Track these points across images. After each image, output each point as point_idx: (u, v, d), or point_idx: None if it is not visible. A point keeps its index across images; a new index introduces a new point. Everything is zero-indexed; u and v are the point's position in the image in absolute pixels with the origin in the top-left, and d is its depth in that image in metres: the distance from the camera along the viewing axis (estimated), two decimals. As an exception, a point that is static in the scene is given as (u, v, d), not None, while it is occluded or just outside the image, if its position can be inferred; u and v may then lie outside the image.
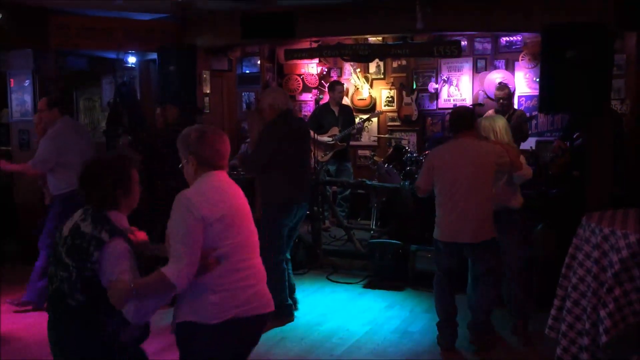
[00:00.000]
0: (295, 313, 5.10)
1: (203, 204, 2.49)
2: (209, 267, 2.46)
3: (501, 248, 4.36)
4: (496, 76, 7.83)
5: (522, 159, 4.38)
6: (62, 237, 2.51)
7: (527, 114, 7.02)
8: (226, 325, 2.50)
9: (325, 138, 7.55)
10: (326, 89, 8.25)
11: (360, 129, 8.33)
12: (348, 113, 7.85)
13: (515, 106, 7.36)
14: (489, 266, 4.25)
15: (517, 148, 4.55)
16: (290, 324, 4.94)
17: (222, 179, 2.68)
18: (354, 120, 7.86)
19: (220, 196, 2.58)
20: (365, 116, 8.14)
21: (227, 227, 2.52)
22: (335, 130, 7.54)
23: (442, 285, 4.41)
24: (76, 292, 2.40)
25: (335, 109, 7.72)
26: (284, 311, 4.86)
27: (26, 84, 6.75)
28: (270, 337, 4.65)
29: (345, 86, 8.24)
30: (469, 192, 4.10)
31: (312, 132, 7.71)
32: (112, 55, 7.46)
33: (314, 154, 7.69)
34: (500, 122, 4.39)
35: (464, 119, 4.28)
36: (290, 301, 5.01)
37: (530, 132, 7.40)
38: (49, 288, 2.53)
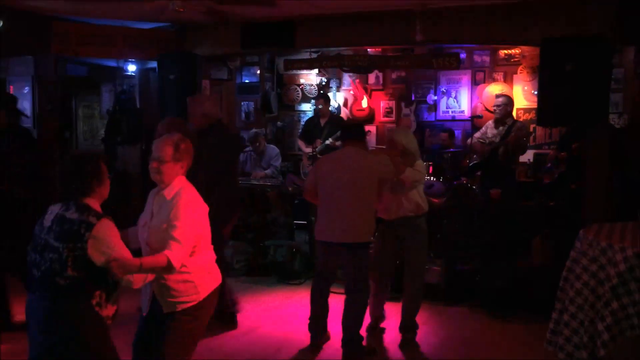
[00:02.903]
0: (291, 324, 5.09)
1: (201, 202, 3.09)
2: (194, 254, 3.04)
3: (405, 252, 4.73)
4: (494, 89, 7.87)
5: (408, 170, 4.52)
6: (44, 227, 2.82)
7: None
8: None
9: (307, 149, 7.58)
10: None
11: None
12: (335, 125, 7.61)
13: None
14: (359, 267, 4.43)
15: (415, 158, 4.65)
16: (284, 334, 4.93)
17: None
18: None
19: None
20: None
21: (206, 221, 3.12)
22: (318, 142, 7.54)
23: (318, 286, 4.64)
24: (66, 269, 2.70)
25: (322, 121, 7.68)
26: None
27: (26, 91, 6.76)
28: (266, 348, 4.63)
29: (342, 97, 8.22)
30: (347, 197, 4.35)
31: (300, 143, 7.80)
32: (112, 63, 7.49)
33: (302, 164, 7.77)
34: (408, 137, 4.71)
35: (352, 131, 4.67)
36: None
37: (528, 145, 7.44)
38: (34, 273, 2.80)
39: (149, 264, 2.84)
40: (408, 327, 4.78)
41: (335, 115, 8.03)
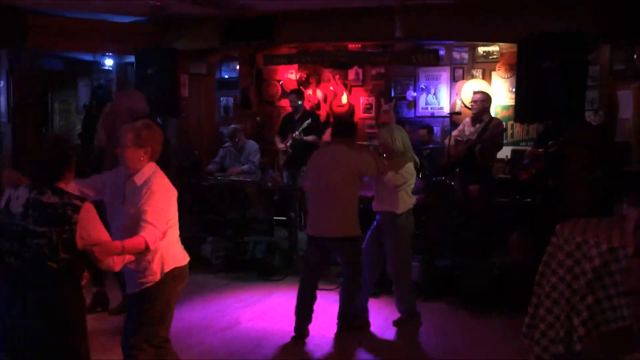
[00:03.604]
0: (271, 319, 5.09)
1: (171, 187, 3.24)
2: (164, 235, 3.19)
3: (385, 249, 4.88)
4: (473, 85, 7.93)
5: (390, 174, 4.65)
6: (15, 214, 2.77)
7: (504, 124, 7.10)
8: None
9: (281, 145, 7.58)
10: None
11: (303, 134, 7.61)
12: (308, 119, 7.54)
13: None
14: (349, 261, 4.68)
15: (404, 157, 4.78)
16: (263, 329, 4.93)
17: None
18: (316, 126, 7.58)
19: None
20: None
21: (175, 206, 3.28)
22: (290, 138, 7.52)
23: (306, 278, 4.79)
24: (58, 253, 2.72)
25: (297, 116, 7.65)
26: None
27: (0, 85, 6.64)
28: (245, 343, 4.63)
29: (322, 93, 8.19)
30: (332, 192, 4.56)
31: (276, 139, 7.78)
32: (89, 57, 7.40)
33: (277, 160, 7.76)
34: (397, 133, 4.84)
35: (341, 128, 4.80)
36: None
37: (505, 142, 7.51)
38: (11, 262, 2.77)
39: (130, 246, 2.95)
40: (402, 321, 4.96)
41: (308, 111, 8.02)
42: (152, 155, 3.26)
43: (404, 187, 4.78)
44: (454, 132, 6.71)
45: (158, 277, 3.21)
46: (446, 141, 6.82)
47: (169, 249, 3.26)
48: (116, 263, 2.95)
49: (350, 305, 4.82)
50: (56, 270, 2.74)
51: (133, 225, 3.07)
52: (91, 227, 2.79)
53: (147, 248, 3.02)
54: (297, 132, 7.37)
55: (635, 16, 4.99)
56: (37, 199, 2.78)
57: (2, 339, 2.83)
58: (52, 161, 2.86)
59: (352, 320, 4.86)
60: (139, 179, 3.19)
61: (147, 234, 3.02)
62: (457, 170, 6.73)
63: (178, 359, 3.44)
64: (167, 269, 3.25)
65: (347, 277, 4.76)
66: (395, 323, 5.00)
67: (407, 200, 4.81)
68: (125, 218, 3.16)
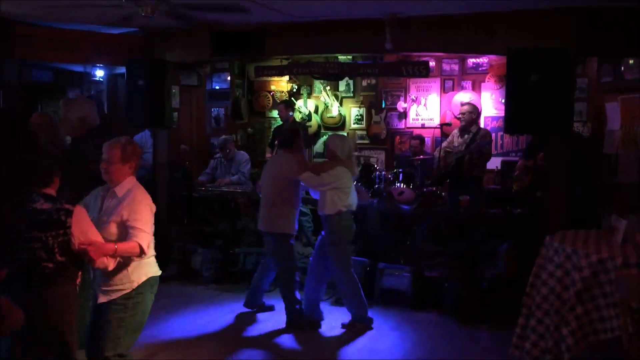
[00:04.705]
0: (263, 331, 5.07)
1: (150, 200, 3.43)
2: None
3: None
4: (463, 97, 7.98)
5: (307, 174, 5.06)
6: (7, 223, 2.87)
7: (492, 134, 7.12)
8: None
9: (268, 155, 7.61)
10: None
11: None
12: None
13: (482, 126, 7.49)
14: (276, 255, 5.22)
15: (336, 162, 5.08)
16: (259, 341, 4.91)
17: None
18: (305, 137, 7.70)
19: None
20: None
21: (152, 217, 3.42)
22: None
23: (263, 263, 5.54)
24: (55, 256, 2.87)
25: (285, 126, 7.70)
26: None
27: (-11, 96, 6.59)
28: (235, 348, 4.61)
29: (313, 104, 8.22)
30: (270, 193, 5.23)
31: (267, 150, 7.78)
32: (79, 68, 7.36)
33: None
34: (343, 140, 5.29)
35: (282, 138, 5.53)
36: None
37: (495, 152, 7.55)
38: (8, 265, 2.85)
39: (123, 249, 3.15)
40: (349, 324, 5.20)
41: (294, 122, 8.04)
42: (135, 169, 3.45)
43: (331, 190, 4.97)
44: (444, 144, 6.75)
45: (135, 284, 3.32)
46: (436, 152, 6.85)
47: (148, 258, 3.39)
48: (109, 263, 3.12)
49: (289, 303, 5.19)
50: (51, 272, 2.88)
51: (117, 234, 3.25)
52: (85, 229, 2.97)
53: (141, 252, 3.21)
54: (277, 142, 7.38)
55: (620, 30, 5.05)
56: (30, 206, 2.90)
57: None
58: (42, 169, 2.99)
59: (298, 318, 5.17)
60: (119, 191, 3.36)
61: (140, 240, 3.21)
62: (448, 181, 6.76)
63: None
64: (144, 278, 3.37)
65: (277, 273, 5.32)
66: (345, 326, 5.17)
67: (336, 202, 4.99)
68: (104, 229, 3.25)
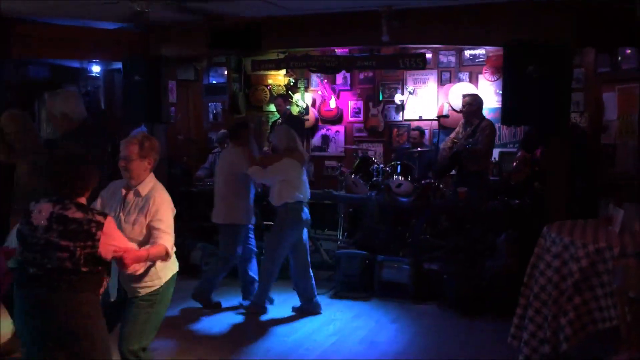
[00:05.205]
0: (263, 324, 5.09)
1: (169, 198, 3.40)
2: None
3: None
4: (460, 88, 7.97)
5: (253, 168, 5.30)
6: (38, 226, 2.84)
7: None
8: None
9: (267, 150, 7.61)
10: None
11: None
12: (292, 125, 7.67)
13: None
14: (222, 244, 5.48)
15: (280, 155, 5.32)
16: (256, 334, 4.92)
17: None
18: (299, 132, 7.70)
19: None
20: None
21: (173, 215, 3.41)
22: None
23: (241, 260, 5.65)
24: (80, 266, 2.83)
25: (282, 120, 7.67)
26: None
27: (-15, 94, 6.58)
28: (235, 348, 4.62)
29: (310, 97, 8.19)
30: (222, 184, 5.45)
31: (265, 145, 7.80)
32: (75, 64, 7.35)
33: None
34: (289, 132, 5.44)
35: (231, 132, 5.79)
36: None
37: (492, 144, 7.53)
38: (30, 271, 2.84)
39: (154, 254, 3.16)
40: (247, 308, 5.45)
41: (292, 116, 8.02)
42: (153, 165, 3.40)
43: (280, 182, 5.19)
44: (452, 135, 6.73)
45: (163, 281, 3.35)
46: (442, 144, 6.82)
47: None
48: (140, 267, 3.19)
49: (208, 284, 5.49)
50: (77, 281, 2.85)
51: (144, 234, 3.24)
52: (117, 239, 2.96)
53: (168, 254, 3.24)
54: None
55: (615, 21, 5.04)
56: (62, 214, 2.86)
57: (25, 340, 2.94)
58: (78, 178, 2.94)
59: (207, 298, 5.50)
60: (142, 190, 3.33)
61: (166, 242, 3.23)
62: (452, 173, 6.77)
63: None
64: (170, 274, 3.41)
65: (217, 258, 5.56)
66: (243, 308, 5.47)
67: (283, 194, 5.19)
68: (135, 228, 3.25)
